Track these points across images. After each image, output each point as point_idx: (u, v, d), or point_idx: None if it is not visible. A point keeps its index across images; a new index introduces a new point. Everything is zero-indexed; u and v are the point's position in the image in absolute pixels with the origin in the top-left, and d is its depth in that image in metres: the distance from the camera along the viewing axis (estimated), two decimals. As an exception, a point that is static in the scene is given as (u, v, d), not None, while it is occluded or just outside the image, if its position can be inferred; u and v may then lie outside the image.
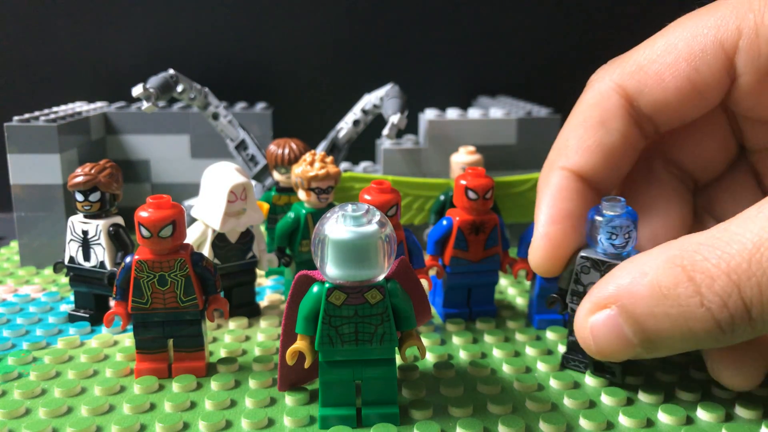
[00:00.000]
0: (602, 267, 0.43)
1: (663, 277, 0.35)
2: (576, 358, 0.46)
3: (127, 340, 0.50)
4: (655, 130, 0.44)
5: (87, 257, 0.53)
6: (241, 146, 0.72)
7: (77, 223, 0.53)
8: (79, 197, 0.52)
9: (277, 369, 0.42)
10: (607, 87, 0.44)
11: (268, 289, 0.63)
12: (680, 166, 0.47)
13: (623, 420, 0.40)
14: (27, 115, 0.67)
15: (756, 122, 0.44)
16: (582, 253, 0.44)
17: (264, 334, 0.51)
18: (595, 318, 0.38)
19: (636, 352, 0.37)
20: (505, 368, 0.46)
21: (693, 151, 0.46)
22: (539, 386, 0.44)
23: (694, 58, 0.41)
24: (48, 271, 0.65)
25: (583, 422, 0.39)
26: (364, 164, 0.78)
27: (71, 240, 0.53)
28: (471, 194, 0.52)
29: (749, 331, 0.34)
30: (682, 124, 0.44)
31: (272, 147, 0.62)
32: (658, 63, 0.42)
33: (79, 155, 0.70)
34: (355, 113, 0.74)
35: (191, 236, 0.53)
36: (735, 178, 0.47)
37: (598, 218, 0.42)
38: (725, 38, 0.40)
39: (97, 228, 0.52)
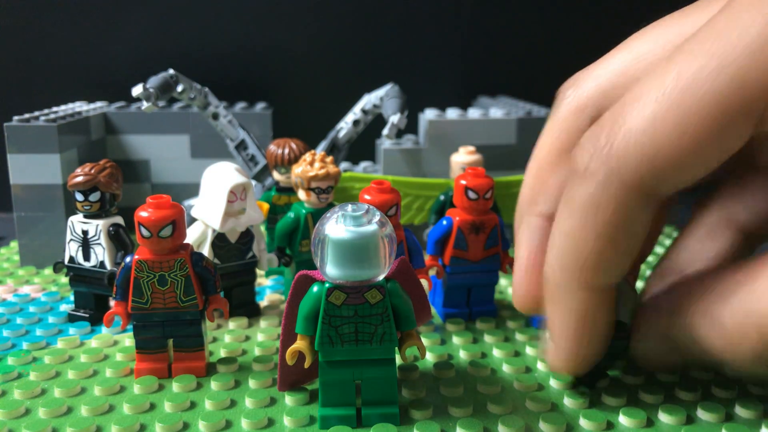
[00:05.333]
0: None
1: None
2: None
3: (127, 340, 0.50)
4: None
5: (87, 257, 0.53)
6: (241, 146, 0.72)
7: (77, 223, 0.53)
8: (79, 197, 0.52)
9: (277, 369, 0.42)
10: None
11: (268, 289, 0.63)
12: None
13: (623, 420, 0.40)
14: (27, 115, 0.67)
15: None
16: None
17: (264, 334, 0.51)
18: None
19: None
20: (505, 368, 0.46)
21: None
22: (539, 386, 0.44)
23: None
24: (48, 271, 0.65)
25: (583, 422, 0.39)
26: (364, 164, 0.78)
27: (71, 240, 0.53)
28: (471, 194, 0.52)
29: None
30: None
31: (272, 147, 0.62)
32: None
33: (79, 155, 0.70)
34: (355, 113, 0.74)
35: (191, 236, 0.53)
36: None
37: None
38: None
39: (97, 228, 0.52)
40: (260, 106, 0.83)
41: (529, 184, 0.43)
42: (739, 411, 0.41)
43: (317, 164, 0.54)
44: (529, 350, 0.49)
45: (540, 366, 0.46)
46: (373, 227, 0.37)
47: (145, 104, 0.65)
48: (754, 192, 0.44)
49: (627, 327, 0.42)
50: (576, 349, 0.39)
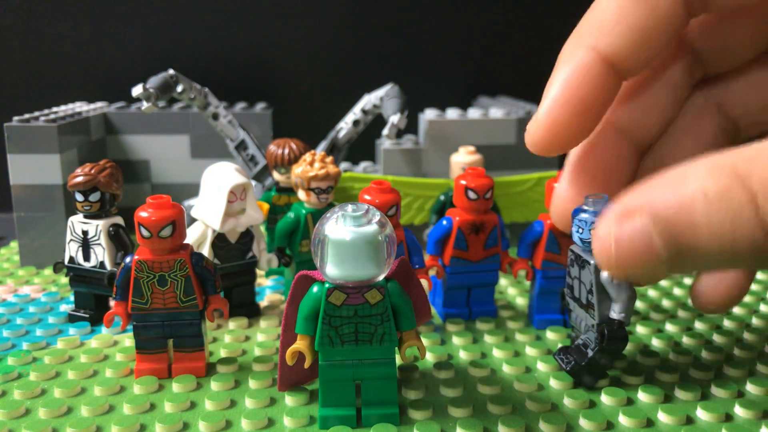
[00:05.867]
0: (579, 261, 0.44)
1: (710, 183, 0.30)
2: (562, 358, 0.45)
3: (127, 340, 0.50)
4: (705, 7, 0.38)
5: (87, 257, 0.53)
6: (241, 146, 0.72)
7: (77, 223, 0.53)
8: (79, 197, 0.52)
9: (277, 369, 0.42)
10: None
11: (268, 289, 0.63)
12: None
13: (623, 420, 0.40)
14: (27, 115, 0.67)
15: None
16: (571, 246, 0.45)
17: (264, 334, 0.51)
18: (621, 226, 0.33)
19: (660, 267, 0.32)
20: (505, 368, 0.46)
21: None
22: (539, 386, 0.44)
23: None
24: (48, 271, 0.65)
25: (583, 422, 0.39)
26: (364, 164, 0.78)
27: (71, 240, 0.53)
28: (471, 194, 0.52)
29: None
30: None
31: (272, 147, 0.62)
32: None
33: (79, 155, 0.70)
34: (355, 113, 0.74)
35: (191, 236, 0.53)
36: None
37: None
38: None
39: (97, 228, 0.52)
40: (260, 106, 0.83)
41: (590, 18, 0.41)
42: (739, 411, 0.41)
43: (317, 164, 0.54)
44: (529, 350, 0.49)
45: (540, 366, 0.47)
46: (373, 227, 0.37)
47: (145, 104, 0.65)
48: (748, 82, 0.42)
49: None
50: (554, 113, 0.39)
